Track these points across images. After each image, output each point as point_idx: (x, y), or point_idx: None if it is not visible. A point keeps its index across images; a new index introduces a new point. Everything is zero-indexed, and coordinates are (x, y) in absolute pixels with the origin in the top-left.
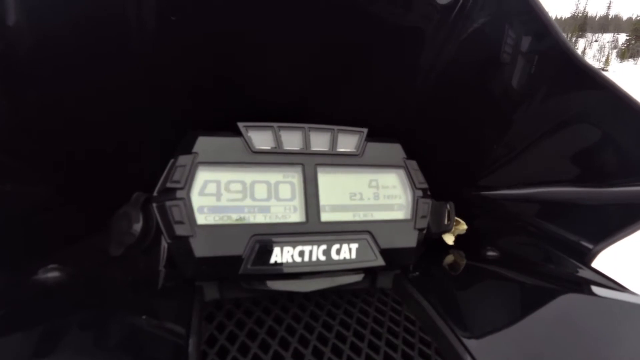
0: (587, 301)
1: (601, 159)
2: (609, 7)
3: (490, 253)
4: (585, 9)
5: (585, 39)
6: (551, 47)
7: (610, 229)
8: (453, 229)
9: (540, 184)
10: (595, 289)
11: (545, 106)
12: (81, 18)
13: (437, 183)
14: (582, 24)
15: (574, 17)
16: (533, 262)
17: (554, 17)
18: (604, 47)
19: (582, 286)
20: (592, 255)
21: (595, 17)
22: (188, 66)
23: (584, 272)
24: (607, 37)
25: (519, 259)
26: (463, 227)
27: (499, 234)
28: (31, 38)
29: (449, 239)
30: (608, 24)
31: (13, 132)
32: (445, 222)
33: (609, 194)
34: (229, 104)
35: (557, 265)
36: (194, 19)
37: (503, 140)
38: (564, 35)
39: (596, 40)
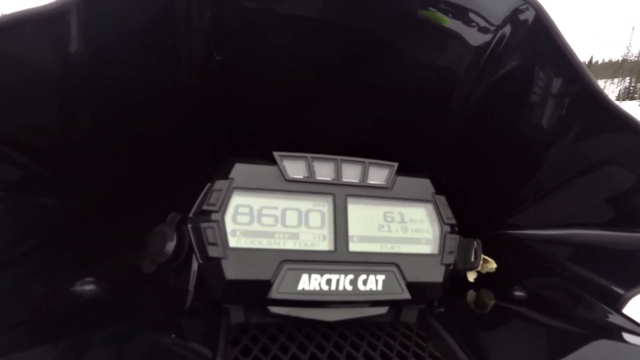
0: (618, 348)
1: (633, 204)
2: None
3: (518, 293)
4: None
5: None
6: (581, 90)
7: None
8: (481, 267)
9: (569, 225)
10: (626, 336)
11: (576, 148)
12: (135, 53)
13: (463, 220)
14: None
15: None
16: (561, 304)
17: None
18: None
19: (613, 332)
20: (624, 301)
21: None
22: (226, 100)
23: (614, 318)
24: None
25: (547, 301)
26: (492, 265)
27: (526, 274)
28: (89, 66)
29: (471, 276)
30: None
31: (60, 150)
32: (472, 259)
33: None
34: (264, 136)
35: (587, 310)
36: (235, 61)
37: (532, 180)
38: (594, 78)
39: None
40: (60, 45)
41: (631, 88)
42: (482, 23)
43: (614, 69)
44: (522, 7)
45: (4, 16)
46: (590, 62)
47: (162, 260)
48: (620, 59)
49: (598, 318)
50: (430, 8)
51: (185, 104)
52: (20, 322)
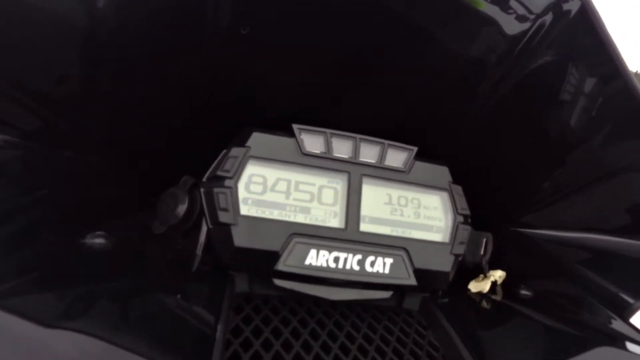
0: (620, 357)
1: None
2: None
3: (524, 292)
4: None
5: None
6: (619, 91)
7: None
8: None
9: (584, 229)
10: (630, 345)
11: (604, 150)
12: (162, 7)
13: (477, 213)
14: None
15: None
16: (567, 308)
17: None
18: None
19: (617, 341)
20: (632, 310)
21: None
22: (249, 72)
23: (620, 327)
24: None
25: (552, 303)
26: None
27: (534, 274)
28: (114, 20)
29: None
30: None
31: (80, 102)
32: (482, 252)
33: None
34: (282, 112)
35: (593, 315)
36: (261, 36)
37: (552, 179)
38: (635, 79)
39: None
40: None
41: None
42: (522, 10)
43: None
44: None
45: None
46: None
47: (172, 222)
48: None
49: (603, 325)
50: None
51: (206, 69)
52: (30, 269)
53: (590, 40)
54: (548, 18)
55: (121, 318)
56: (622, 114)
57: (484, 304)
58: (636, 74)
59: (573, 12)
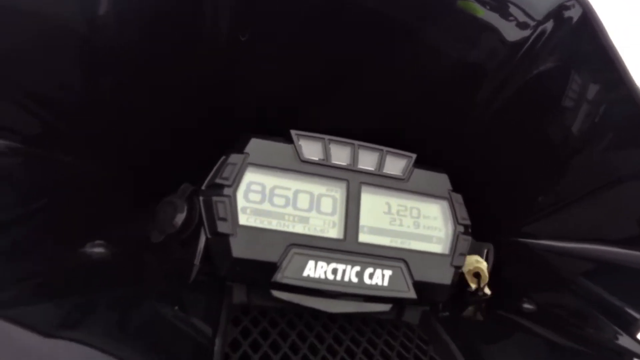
0: None
1: None
2: None
3: (526, 306)
4: None
5: None
6: (623, 98)
7: None
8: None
9: (587, 239)
10: None
11: (607, 158)
12: (162, 15)
13: (477, 222)
14: None
15: None
16: (571, 322)
17: None
18: None
19: (624, 357)
20: (639, 325)
21: None
22: (247, 77)
23: (627, 342)
24: None
25: (556, 317)
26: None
27: (537, 286)
28: (114, 28)
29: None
30: None
31: (84, 109)
32: None
33: None
34: (282, 117)
35: (597, 330)
36: (260, 40)
37: (555, 188)
38: (638, 87)
39: None
40: (89, 5)
41: None
42: (522, 17)
43: None
44: (568, 4)
45: None
46: None
47: (170, 231)
48: None
49: (609, 340)
50: None
51: (206, 75)
52: (28, 277)
53: (592, 47)
54: (549, 25)
55: (119, 328)
56: (625, 120)
57: (483, 316)
58: None
59: (575, 19)
